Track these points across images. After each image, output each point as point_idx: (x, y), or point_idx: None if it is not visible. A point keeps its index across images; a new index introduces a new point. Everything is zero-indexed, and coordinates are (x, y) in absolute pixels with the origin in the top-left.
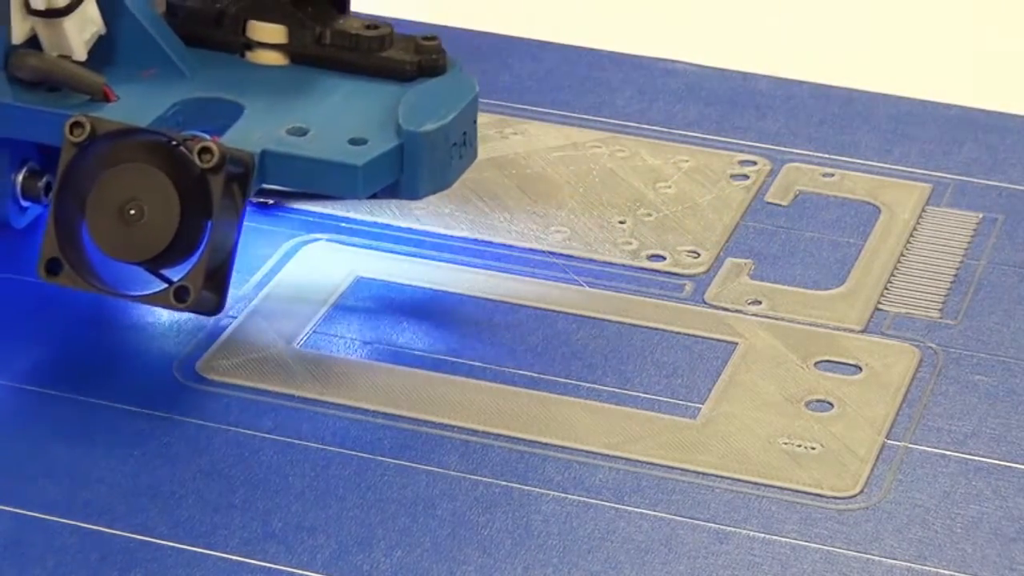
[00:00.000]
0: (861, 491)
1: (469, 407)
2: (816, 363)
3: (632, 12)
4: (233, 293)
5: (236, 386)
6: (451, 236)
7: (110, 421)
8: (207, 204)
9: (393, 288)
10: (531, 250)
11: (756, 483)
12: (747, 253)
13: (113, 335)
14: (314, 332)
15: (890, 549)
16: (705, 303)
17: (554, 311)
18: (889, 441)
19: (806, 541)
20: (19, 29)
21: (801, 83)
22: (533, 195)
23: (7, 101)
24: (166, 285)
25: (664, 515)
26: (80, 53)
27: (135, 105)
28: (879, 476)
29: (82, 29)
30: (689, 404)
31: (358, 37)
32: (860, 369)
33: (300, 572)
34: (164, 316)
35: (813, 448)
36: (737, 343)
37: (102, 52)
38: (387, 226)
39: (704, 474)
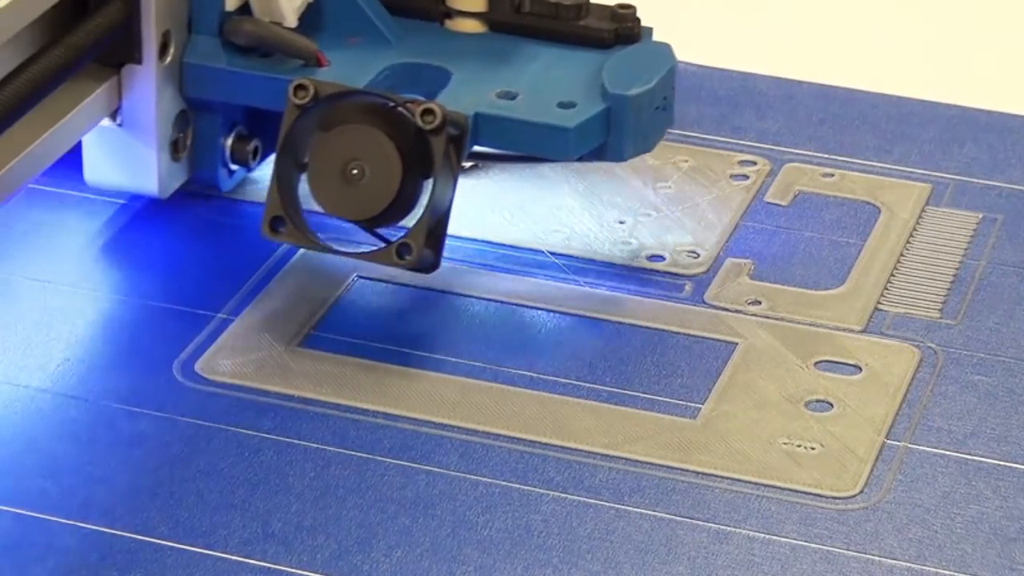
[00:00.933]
0: (861, 491)
1: (469, 407)
2: (816, 363)
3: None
4: (233, 293)
5: (236, 386)
6: (451, 236)
7: (110, 421)
8: (426, 164)
9: (393, 288)
10: (531, 250)
11: (756, 483)
12: (747, 253)
13: (113, 335)
14: (314, 332)
15: (890, 549)
16: (705, 303)
17: (554, 311)
18: (889, 441)
19: (806, 541)
20: None
21: (801, 83)
22: (533, 195)
23: (222, 66)
24: (383, 244)
25: (664, 515)
26: (291, 19)
27: (346, 70)
28: (879, 476)
29: None
30: (689, 404)
31: (557, 6)
32: (860, 369)
33: (300, 572)
34: (164, 316)
35: (813, 448)
36: (737, 343)
37: (310, 19)
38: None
39: (704, 474)
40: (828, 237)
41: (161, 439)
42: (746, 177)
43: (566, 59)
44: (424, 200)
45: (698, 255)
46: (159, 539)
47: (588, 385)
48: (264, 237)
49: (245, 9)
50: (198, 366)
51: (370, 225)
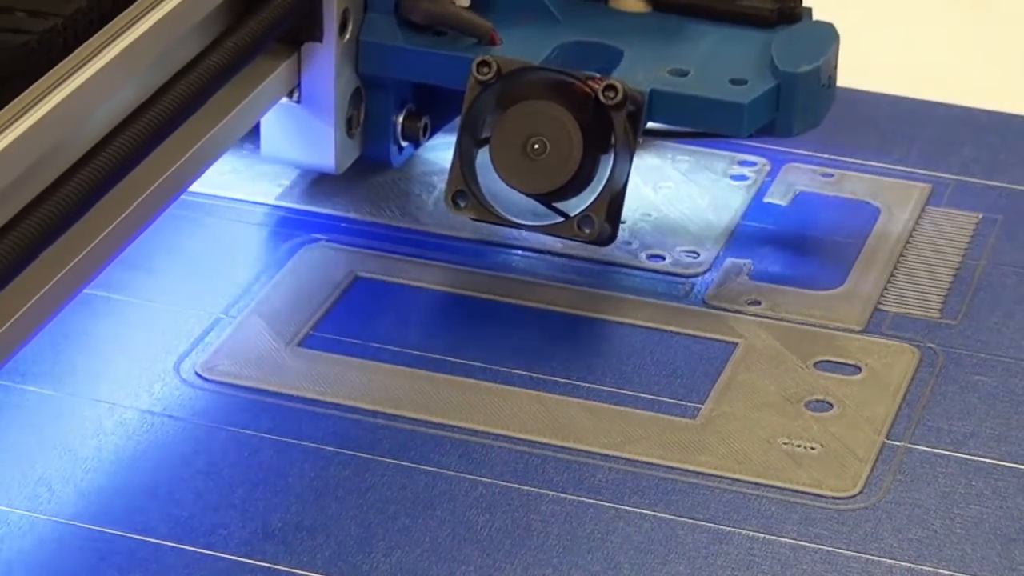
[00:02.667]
0: (861, 491)
1: (469, 407)
2: (816, 363)
3: None
4: (233, 293)
5: (236, 386)
6: (451, 236)
7: (110, 421)
8: (605, 140)
9: (393, 288)
10: (531, 250)
11: (756, 483)
12: (747, 253)
13: (113, 335)
14: (314, 332)
15: (890, 549)
16: (705, 303)
17: (553, 311)
18: (889, 441)
19: (806, 541)
20: None
21: None
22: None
23: (399, 44)
24: (561, 218)
25: (664, 515)
26: None
27: (520, 49)
28: (879, 476)
29: None
30: (689, 404)
31: None
32: (860, 369)
33: (300, 572)
34: (164, 316)
35: (813, 448)
36: (737, 343)
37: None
38: (387, 226)
39: (704, 474)
40: (828, 237)
41: (161, 439)
42: (746, 177)
43: (732, 38)
44: (603, 175)
45: (698, 255)
46: (159, 539)
47: (588, 385)
48: (447, 211)
49: None
50: (198, 366)
51: (549, 199)
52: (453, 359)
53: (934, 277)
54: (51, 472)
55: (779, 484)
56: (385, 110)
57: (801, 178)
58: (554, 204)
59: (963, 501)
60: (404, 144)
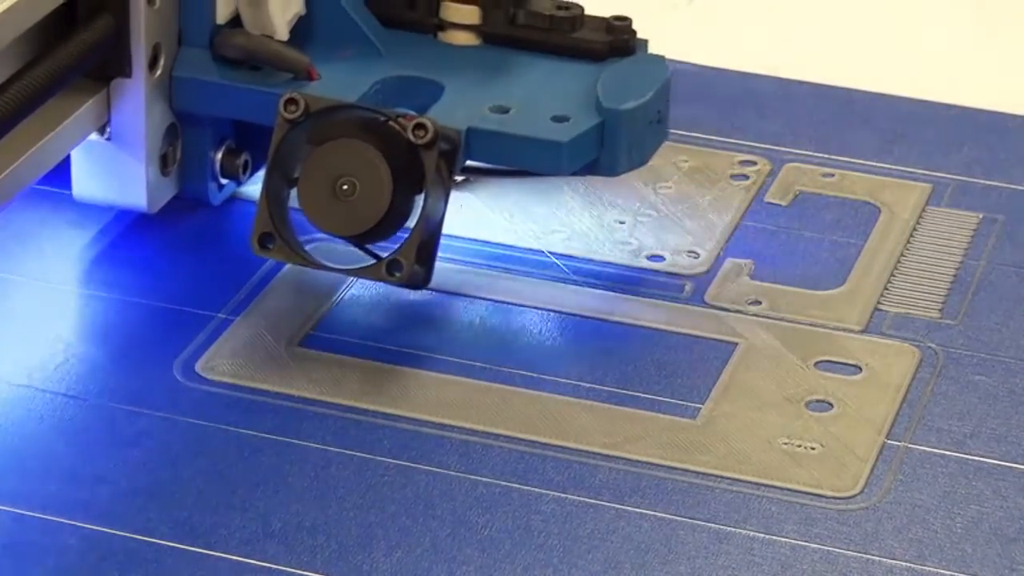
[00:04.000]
0: (861, 491)
1: (469, 407)
2: (816, 363)
3: (632, 13)
4: (233, 293)
5: (236, 386)
6: (451, 236)
7: (110, 421)
8: (418, 180)
9: (393, 288)
10: (531, 250)
11: (756, 483)
12: (747, 253)
13: (113, 335)
14: (314, 332)
15: (890, 549)
16: (705, 303)
17: (554, 311)
18: (889, 441)
19: (806, 541)
20: (223, 9)
21: (801, 83)
22: (533, 195)
23: (213, 79)
24: (373, 260)
25: (664, 515)
26: (283, 32)
27: (338, 84)
28: (879, 476)
29: (284, 9)
30: (689, 404)
31: (551, 18)
32: (860, 369)
33: (300, 572)
34: (164, 316)
35: (813, 448)
36: (737, 343)
37: (301, 31)
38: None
39: (704, 474)
40: (828, 237)
41: (161, 439)
42: (746, 177)
43: (560, 72)
44: (415, 216)
45: (698, 255)
46: (159, 539)
47: (588, 385)
48: (254, 253)
49: (236, 22)
50: (198, 366)
51: (361, 241)
52: (454, 359)
53: (934, 277)
54: (52, 472)
55: (779, 484)
56: (202, 147)
57: (801, 178)
58: (368, 247)
59: (963, 501)
60: (224, 181)
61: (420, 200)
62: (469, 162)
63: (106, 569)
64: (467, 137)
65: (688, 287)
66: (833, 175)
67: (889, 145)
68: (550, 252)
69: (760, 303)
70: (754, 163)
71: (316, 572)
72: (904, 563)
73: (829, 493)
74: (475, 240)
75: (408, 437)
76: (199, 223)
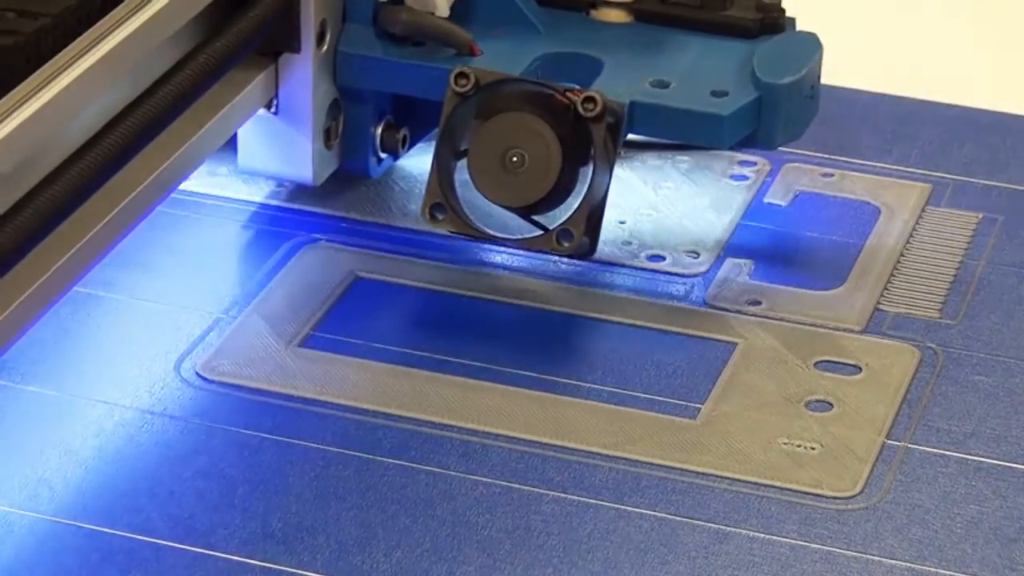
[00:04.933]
0: (861, 491)
1: (469, 407)
2: (816, 363)
3: None
4: (233, 293)
5: (236, 386)
6: (451, 236)
7: (110, 421)
8: (584, 152)
9: (393, 288)
10: (531, 250)
11: (756, 483)
12: (747, 253)
13: (113, 335)
14: (314, 332)
15: (890, 549)
16: (705, 303)
17: (554, 311)
18: (889, 441)
19: (806, 541)
20: None
21: None
22: None
23: (378, 55)
24: (540, 231)
25: (664, 515)
26: (444, 9)
27: (499, 60)
28: (879, 476)
29: None
30: (689, 404)
31: None
32: (860, 369)
33: (300, 572)
34: (164, 316)
35: (813, 448)
36: (737, 343)
37: (461, 9)
38: (387, 226)
39: (704, 474)
40: (828, 237)
41: (161, 439)
42: (746, 177)
43: (714, 48)
44: (583, 187)
45: (698, 255)
46: (159, 539)
47: (588, 385)
48: (424, 223)
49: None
50: (198, 366)
51: (528, 212)
52: (453, 359)
53: (934, 277)
54: (51, 472)
55: (779, 484)
56: (364, 122)
57: (801, 178)
58: (533, 217)
59: (963, 501)
60: (383, 156)
61: (585, 172)
62: (630, 136)
63: (106, 569)
64: (630, 110)
65: (688, 287)
66: (833, 175)
67: (889, 145)
68: (550, 252)
69: (760, 303)
70: (754, 163)
71: (316, 572)
72: (904, 563)
73: (829, 493)
74: (476, 240)
75: (408, 437)
76: (199, 224)
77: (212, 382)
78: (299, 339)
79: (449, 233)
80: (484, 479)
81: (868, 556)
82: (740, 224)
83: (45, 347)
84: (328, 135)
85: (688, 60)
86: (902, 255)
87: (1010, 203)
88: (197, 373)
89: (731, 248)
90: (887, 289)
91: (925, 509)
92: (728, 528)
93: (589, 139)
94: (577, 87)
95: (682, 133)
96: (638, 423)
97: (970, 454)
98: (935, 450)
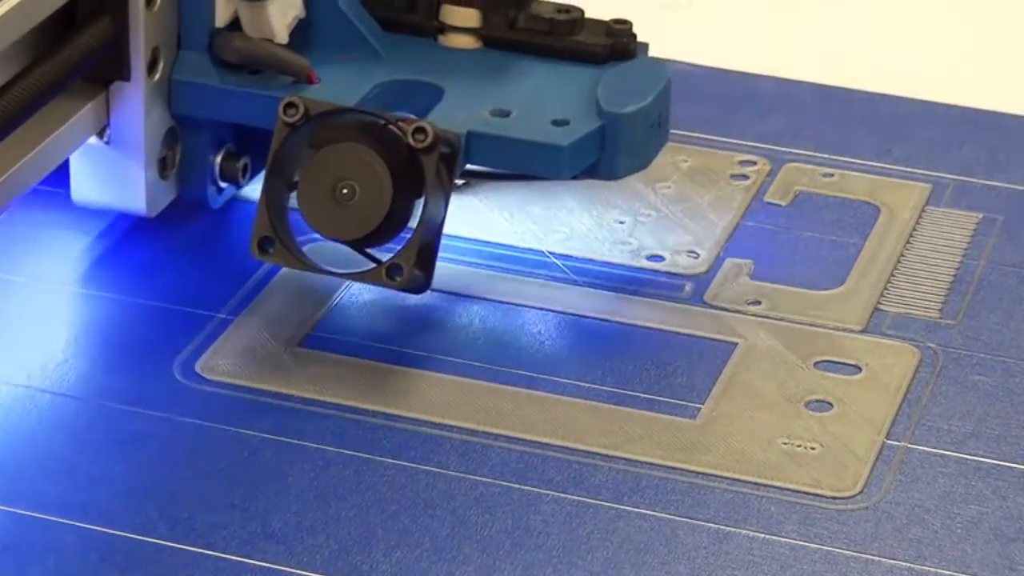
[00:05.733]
0: (861, 491)
1: (469, 407)
2: (816, 363)
3: (631, 13)
4: (233, 293)
5: (236, 386)
6: (451, 236)
7: (110, 421)
8: (418, 184)
9: (392, 291)
10: (531, 250)
11: (756, 483)
12: (747, 253)
13: (113, 335)
14: (314, 332)
15: (890, 549)
16: (705, 303)
17: (553, 311)
18: (889, 441)
19: (806, 541)
20: (223, 12)
21: (801, 83)
22: (533, 195)
23: (213, 83)
24: (373, 264)
25: (664, 515)
26: (282, 36)
27: (337, 88)
28: (879, 476)
29: (284, 12)
30: (689, 404)
31: (552, 21)
32: (860, 369)
33: (300, 572)
34: (164, 316)
35: (813, 448)
36: (737, 343)
37: (301, 35)
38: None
39: (704, 474)
40: (828, 237)
41: (161, 439)
42: (746, 177)
43: (560, 75)
44: (415, 220)
45: (698, 255)
46: (159, 539)
47: (588, 385)
48: (254, 257)
49: (235, 25)
50: (198, 366)
51: (361, 245)
52: (453, 359)
53: (934, 277)
54: (51, 472)
55: (779, 484)
56: (202, 151)
57: (801, 178)
58: (368, 250)
59: (963, 501)
60: (223, 185)
61: (420, 204)
62: (469, 166)
63: (106, 569)
64: (467, 141)
65: (688, 287)
66: (833, 175)
67: (889, 145)
68: (550, 252)
69: (760, 303)
70: (754, 163)
71: (316, 572)
72: (904, 563)
73: (829, 493)
74: (475, 240)
75: (408, 437)
76: (199, 224)
77: (212, 382)
78: (299, 339)
79: (279, 266)
80: (484, 479)
81: (868, 556)
82: (740, 224)
83: (45, 347)
84: (164, 164)
85: (532, 87)
86: (902, 255)
87: (1010, 203)
88: (197, 373)
89: (731, 248)
90: (887, 289)
91: (925, 509)
92: (728, 528)
93: (422, 170)
94: (411, 116)
95: (521, 163)
96: (638, 423)
97: (970, 454)
98: (935, 450)
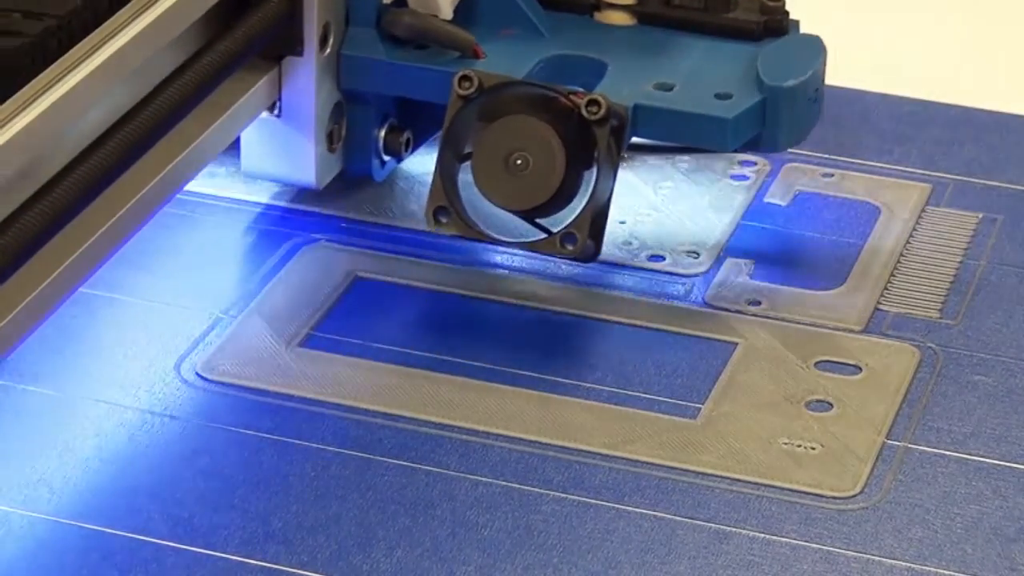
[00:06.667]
0: (861, 491)
1: (469, 407)
2: (816, 363)
3: None
4: (233, 293)
5: (236, 386)
6: (451, 236)
7: (110, 421)
8: (588, 155)
9: (393, 288)
10: (531, 249)
11: (756, 483)
12: (747, 253)
13: (113, 335)
14: (314, 332)
15: (890, 549)
16: (705, 303)
17: (554, 311)
18: (889, 441)
19: (806, 541)
20: None
21: None
22: None
23: (381, 58)
24: (544, 234)
25: (664, 515)
26: (447, 12)
27: (503, 62)
28: (879, 476)
29: None
30: (689, 404)
31: None
32: (860, 369)
33: (300, 572)
34: (164, 316)
35: (813, 448)
36: (737, 343)
37: (464, 11)
38: (387, 226)
39: (704, 474)
40: (828, 237)
41: (161, 439)
42: (746, 177)
43: (718, 51)
44: (587, 190)
45: (698, 255)
46: (159, 539)
47: (588, 385)
48: (428, 227)
49: (401, 1)
50: (198, 366)
51: (532, 215)
52: (453, 359)
53: (934, 277)
54: (51, 472)
55: (779, 484)
56: (367, 124)
57: (801, 178)
58: (537, 220)
59: (963, 501)
60: (386, 158)
61: (589, 176)
62: (634, 139)
63: (106, 569)
64: (634, 113)
65: (688, 287)
66: (833, 175)
67: (889, 145)
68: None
69: (760, 303)
70: (754, 163)
71: (316, 572)
72: (904, 563)
73: (829, 493)
74: (476, 240)
75: (408, 437)
76: (199, 223)
77: (212, 382)
78: (299, 339)
79: (453, 236)
80: (484, 479)
81: (868, 556)
82: (740, 224)
83: (45, 347)
84: (331, 138)
85: (692, 63)
86: (902, 255)
87: (1010, 203)
88: (197, 373)
89: (731, 248)
90: (887, 289)
91: (925, 509)
92: (728, 528)
93: (593, 142)
94: (581, 90)
95: (686, 136)
96: (638, 423)
97: (970, 454)
98: (935, 450)
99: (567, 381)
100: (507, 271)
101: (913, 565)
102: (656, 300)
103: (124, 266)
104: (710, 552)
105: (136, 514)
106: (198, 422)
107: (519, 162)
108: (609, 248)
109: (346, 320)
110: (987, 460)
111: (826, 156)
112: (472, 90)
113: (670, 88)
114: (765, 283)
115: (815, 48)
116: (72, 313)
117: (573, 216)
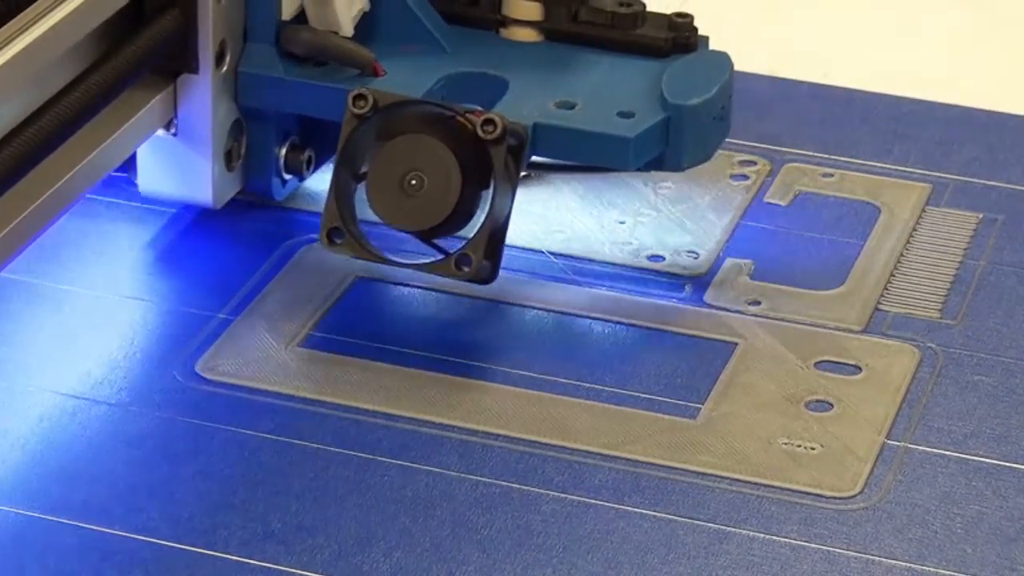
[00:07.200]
0: (861, 491)
1: (469, 407)
2: (816, 363)
3: None
4: (233, 293)
5: (236, 386)
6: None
7: (111, 421)
8: (485, 175)
9: (393, 288)
10: (531, 250)
11: (756, 483)
12: (747, 253)
13: (113, 335)
14: (314, 332)
15: (890, 549)
16: (705, 303)
17: (554, 311)
18: (889, 441)
19: (806, 541)
20: (289, 5)
21: (801, 83)
22: (534, 195)
23: (279, 75)
24: (440, 255)
25: (664, 515)
26: (348, 28)
27: (403, 80)
28: (879, 476)
29: (349, 5)
30: (689, 404)
31: (614, 15)
32: (860, 369)
33: (300, 572)
34: (164, 316)
35: (813, 448)
36: (737, 343)
37: (366, 28)
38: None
39: (704, 474)
40: (828, 237)
41: (161, 439)
42: (746, 177)
43: (623, 68)
44: (483, 211)
45: (698, 255)
46: (159, 539)
47: (588, 385)
48: (322, 248)
49: (301, 18)
50: (198, 366)
51: (428, 236)
52: (453, 359)
53: (934, 277)
54: (51, 472)
55: (779, 484)
56: (267, 143)
57: (801, 178)
58: (435, 241)
59: (963, 501)
60: (287, 177)
61: (486, 196)
62: (534, 158)
63: (106, 569)
64: (533, 132)
65: (688, 287)
66: (833, 175)
67: (889, 145)
68: (550, 252)
69: (760, 303)
70: (754, 163)
71: (316, 572)
72: (904, 563)
73: (829, 493)
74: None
75: (408, 437)
76: (199, 223)
77: (212, 382)
78: (299, 339)
79: (349, 257)
80: (484, 479)
81: (868, 556)
82: (740, 224)
83: (45, 347)
84: (230, 157)
85: (596, 80)
86: (902, 255)
87: (1010, 203)
88: (197, 373)
89: (731, 248)
90: (887, 289)
91: (925, 509)
92: (728, 528)
93: (490, 162)
94: (479, 108)
95: (587, 155)
96: (638, 423)
97: (970, 454)
98: (935, 450)
99: (567, 381)
100: (506, 271)
101: (913, 565)
102: (656, 300)
103: (124, 267)
104: (710, 552)
105: (136, 514)
106: (198, 422)
107: (414, 182)
108: (609, 248)
109: (346, 320)
110: (987, 460)
111: (826, 156)
112: (367, 109)
113: (572, 106)
114: (765, 283)
115: (722, 65)
116: (72, 313)
117: (469, 237)
